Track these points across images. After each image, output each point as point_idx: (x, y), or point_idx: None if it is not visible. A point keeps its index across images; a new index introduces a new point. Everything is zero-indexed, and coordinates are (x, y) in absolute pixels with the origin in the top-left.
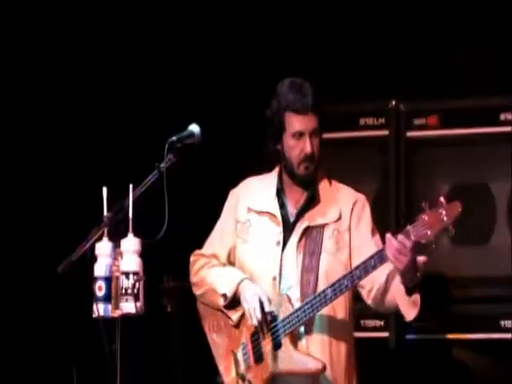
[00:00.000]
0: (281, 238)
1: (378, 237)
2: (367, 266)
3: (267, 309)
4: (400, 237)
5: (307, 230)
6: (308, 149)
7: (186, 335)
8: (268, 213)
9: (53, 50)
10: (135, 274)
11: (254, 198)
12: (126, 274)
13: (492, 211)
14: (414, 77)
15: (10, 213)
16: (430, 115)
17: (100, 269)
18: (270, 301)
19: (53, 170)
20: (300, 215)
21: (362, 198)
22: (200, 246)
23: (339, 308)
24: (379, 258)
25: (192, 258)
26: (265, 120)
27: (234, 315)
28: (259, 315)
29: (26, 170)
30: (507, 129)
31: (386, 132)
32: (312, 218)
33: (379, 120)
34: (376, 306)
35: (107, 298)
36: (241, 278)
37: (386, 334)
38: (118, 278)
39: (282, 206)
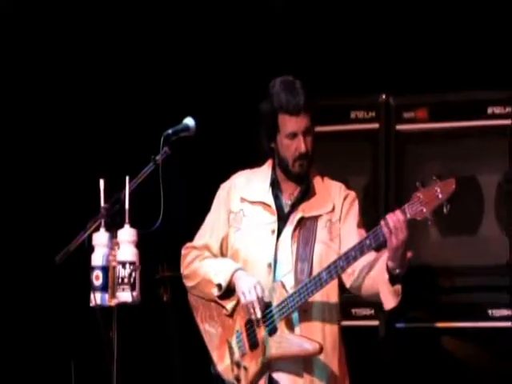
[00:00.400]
0: (275, 226)
1: (363, 230)
2: (363, 246)
3: (264, 299)
4: (397, 212)
5: (301, 221)
6: (302, 148)
7: (181, 323)
8: (262, 203)
9: (53, 45)
10: (131, 263)
11: (248, 189)
12: (123, 264)
13: (480, 203)
14: (403, 72)
15: (9, 204)
16: (419, 109)
17: (97, 258)
18: (263, 290)
19: (51, 163)
20: (294, 206)
21: (352, 193)
22: (194, 236)
23: (332, 293)
24: (375, 236)
25: (183, 251)
26: (258, 117)
27: (229, 304)
28: (259, 313)
29: (27, 163)
30: (494, 122)
31: (376, 125)
32: (306, 210)
33: (370, 113)
34: (354, 290)
35: (104, 287)
36: (235, 268)
37: (376, 323)
38: (114, 267)
39: (277, 197)
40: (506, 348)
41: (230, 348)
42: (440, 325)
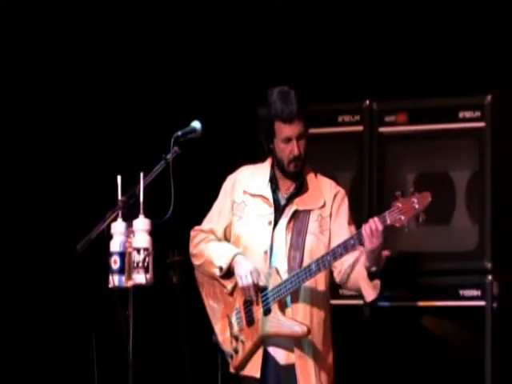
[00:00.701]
0: (272, 218)
1: (353, 227)
2: (347, 245)
3: (259, 283)
4: (376, 219)
5: (295, 213)
6: (295, 151)
7: (189, 303)
8: (261, 196)
9: (67, 43)
10: (145, 249)
11: (249, 182)
12: (138, 250)
13: (452, 196)
14: (385, 80)
15: (39, 198)
16: (399, 113)
17: (115, 245)
18: (260, 274)
19: (77, 161)
20: (290, 200)
21: (342, 191)
22: (199, 224)
23: (320, 281)
24: (358, 238)
25: (192, 233)
26: (258, 122)
27: (229, 285)
28: (253, 294)
29: (57, 160)
30: (465, 125)
31: (360, 128)
32: (300, 204)
33: (355, 117)
34: (342, 285)
35: (121, 271)
36: (234, 252)
37: (361, 302)
38: (130, 253)
39: (274, 191)
40: (476, 324)
41: (230, 323)
42: (417, 304)
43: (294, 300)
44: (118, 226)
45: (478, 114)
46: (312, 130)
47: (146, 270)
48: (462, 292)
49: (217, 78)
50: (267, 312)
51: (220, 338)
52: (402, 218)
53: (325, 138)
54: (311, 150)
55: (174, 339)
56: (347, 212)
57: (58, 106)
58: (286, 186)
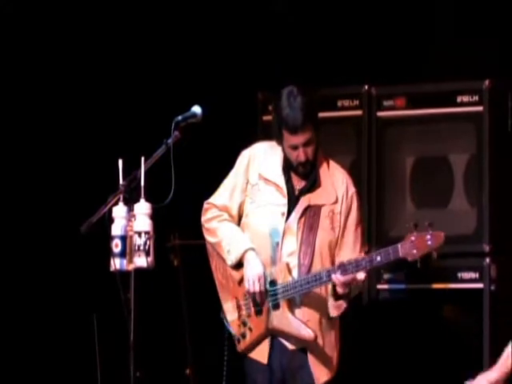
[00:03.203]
0: (285, 210)
1: (360, 229)
2: (358, 266)
3: (267, 286)
4: (382, 252)
5: (307, 209)
6: (302, 158)
7: (190, 285)
8: (275, 184)
9: (70, 35)
10: (146, 233)
11: (265, 165)
12: (139, 233)
13: (450, 180)
14: (384, 65)
15: (42, 183)
16: (397, 97)
17: (116, 229)
18: (266, 278)
19: (79, 146)
20: (302, 195)
21: (353, 190)
22: (200, 209)
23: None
24: (370, 262)
25: (205, 206)
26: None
27: (238, 276)
28: (258, 298)
29: (59, 147)
30: (463, 109)
31: (359, 112)
32: (312, 199)
33: (354, 102)
34: None
35: (123, 254)
36: (245, 248)
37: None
38: (131, 236)
39: (288, 181)
40: (474, 306)
41: (239, 306)
42: (416, 286)
43: (304, 298)
44: (119, 210)
45: (475, 98)
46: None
47: (147, 254)
48: (460, 274)
49: (218, 63)
50: (275, 307)
51: (228, 318)
52: (415, 251)
53: (324, 123)
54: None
55: (176, 322)
56: (356, 214)
57: (61, 91)
58: (298, 180)
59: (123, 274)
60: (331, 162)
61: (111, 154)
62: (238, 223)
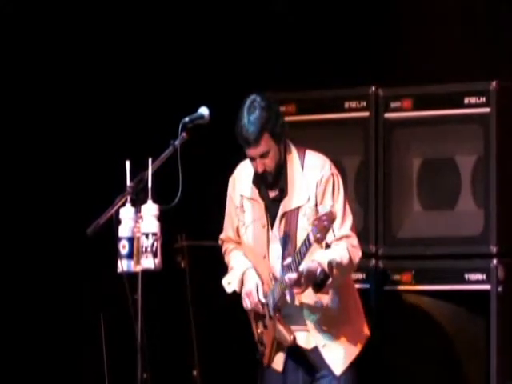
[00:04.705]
0: (265, 221)
1: (339, 206)
2: (300, 252)
3: (261, 299)
4: (301, 247)
5: (284, 215)
6: (258, 170)
7: (197, 287)
8: (253, 199)
9: (74, 35)
10: (154, 234)
11: (243, 184)
12: (146, 235)
13: (457, 181)
14: (391, 67)
15: (49, 185)
16: (404, 99)
17: (124, 230)
18: (259, 289)
19: (86, 148)
20: (277, 203)
21: (326, 174)
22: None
23: None
24: (308, 242)
25: (219, 242)
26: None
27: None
28: (260, 310)
29: (67, 146)
30: (470, 111)
31: (367, 114)
32: (286, 205)
33: (361, 103)
34: None
35: (130, 255)
36: (241, 272)
37: (367, 286)
38: (139, 238)
39: (262, 193)
40: (481, 308)
41: (256, 325)
42: (423, 288)
43: (301, 299)
44: (126, 212)
45: (483, 99)
46: (319, 116)
47: (155, 255)
48: (467, 276)
49: (224, 64)
50: (270, 317)
51: (255, 338)
52: (319, 235)
53: (331, 124)
54: (318, 135)
55: (183, 323)
56: (330, 195)
57: (68, 92)
58: (271, 190)
59: (130, 276)
60: (307, 155)
61: (118, 155)
62: None
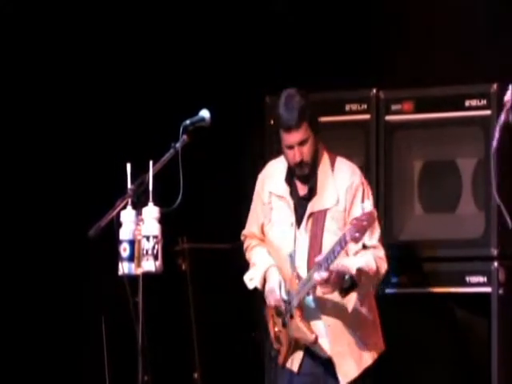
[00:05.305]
0: (293, 220)
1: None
2: (334, 250)
3: (284, 296)
4: (337, 241)
5: (311, 216)
6: (297, 158)
7: (198, 289)
8: (282, 197)
9: (76, 37)
10: (155, 237)
11: (273, 182)
12: (147, 237)
13: (458, 184)
14: (392, 69)
15: (50, 187)
16: (405, 101)
17: (125, 233)
18: (281, 288)
19: (87, 150)
20: (306, 202)
21: (356, 180)
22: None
23: None
24: (344, 241)
25: (241, 238)
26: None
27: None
28: (282, 308)
29: (68, 148)
30: (471, 113)
31: (367, 116)
32: (314, 206)
33: (362, 106)
34: None
35: (131, 258)
36: (264, 270)
37: None
38: (140, 240)
39: (292, 192)
40: (482, 310)
41: (274, 323)
42: (424, 290)
43: (321, 302)
44: (127, 214)
45: (484, 102)
46: (321, 118)
47: (156, 258)
48: (468, 278)
49: (226, 67)
50: (291, 317)
51: (271, 336)
52: (358, 234)
53: (332, 127)
54: (322, 137)
55: (184, 326)
56: (359, 202)
57: (69, 95)
58: (301, 187)
59: (131, 278)
60: (337, 160)
61: (119, 158)
62: None
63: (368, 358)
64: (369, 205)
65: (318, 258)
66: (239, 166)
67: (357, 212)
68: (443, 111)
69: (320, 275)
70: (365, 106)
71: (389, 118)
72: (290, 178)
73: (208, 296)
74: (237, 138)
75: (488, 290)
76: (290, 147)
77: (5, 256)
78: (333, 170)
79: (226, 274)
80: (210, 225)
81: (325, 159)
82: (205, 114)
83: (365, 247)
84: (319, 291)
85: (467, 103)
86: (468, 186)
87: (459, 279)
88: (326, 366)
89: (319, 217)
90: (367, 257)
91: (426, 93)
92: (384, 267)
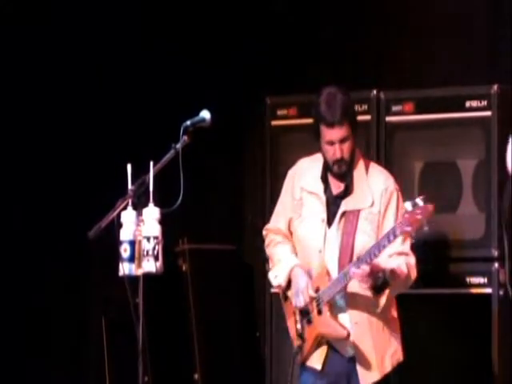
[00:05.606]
0: (325, 216)
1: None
2: (380, 245)
3: (312, 294)
4: (384, 235)
5: (345, 214)
6: (337, 155)
7: (198, 289)
8: (315, 193)
9: (76, 36)
10: (155, 238)
11: (306, 178)
12: (148, 238)
13: (459, 185)
14: (392, 70)
15: (51, 188)
16: (406, 102)
17: (125, 234)
18: (309, 288)
19: (87, 151)
20: (339, 201)
21: (391, 187)
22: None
23: None
24: (393, 234)
25: (263, 233)
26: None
27: (289, 292)
28: (308, 308)
29: (68, 149)
30: (472, 114)
31: (368, 117)
32: (348, 204)
33: (363, 106)
34: None
35: (131, 259)
36: (290, 267)
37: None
38: (140, 241)
39: (327, 189)
40: (482, 311)
41: (296, 320)
42: (424, 291)
43: (350, 300)
44: (127, 215)
45: (484, 103)
46: None
47: (156, 258)
48: (468, 279)
49: (226, 67)
50: (320, 312)
51: (291, 333)
52: (409, 228)
53: None
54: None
55: (184, 326)
56: (395, 208)
57: (70, 95)
58: (336, 185)
59: (132, 279)
60: (371, 164)
61: (120, 158)
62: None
63: (388, 365)
64: (420, 199)
65: (362, 253)
66: (239, 167)
67: (391, 217)
68: (444, 112)
69: (361, 269)
70: (365, 107)
71: (389, 118)
72: (325, 175)
73: (208, 297)
74: (237, 139)
75: (488, 290)
76: (331, 143)
77: (5, 256)
78: (367, 174)
79: (226, 275)
80: (210, 225)
81: (360, 162)
82: (205, 114)
83: (399, 254)
84: (355, 287)
85: (468, 104)
86: (468, 186)
87: (460, 280)
88: (349, 365)
89: (352, 216)
90: (400, 261)
91: (427, 94)
92: (414, 275)
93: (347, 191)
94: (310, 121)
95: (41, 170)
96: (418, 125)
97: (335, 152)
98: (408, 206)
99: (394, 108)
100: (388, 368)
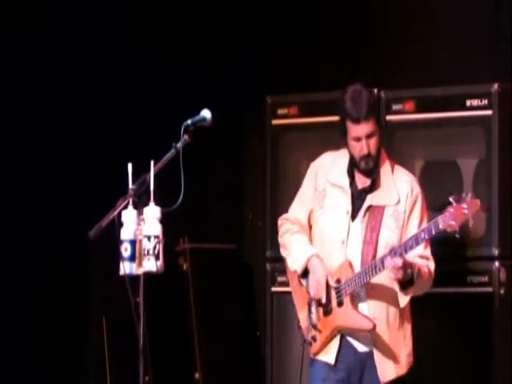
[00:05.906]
0: (350, 208)
1: (423, 226)
2: (418, 238)
3: (331, 284)
4: (425, 228)
5: (370, 208)
6: (364, 150)
7: (199, 289)
8: (340, 186)
9: (83, 35)
10: (156, 237)
11: (331, 171)
12: (148, 237)
13: (459, 183)
14: (393, 69)
15: (51, 187)
16: (406, 101)
17: (126, 233)
18: (328, 281)
19: (88, 150)
20: (365, 195)
21: (417, 190)
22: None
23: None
24: (428, 231)
25: (279, 221)
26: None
27: (304, 282)
28: (325, 301)
29: (69, 147)
30: (472, 113)
31: None
32: (374, 199)
33: None
34: None
35: (132, 258)
36: (308, 256)
37: None
38: (141, 240)
39: (352, 183)
40: (483, 310)
41: (310, 311)
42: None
43: (370, 294)
44: (128, 214)
45: (485, 102)
46: (321, 118)
47: (157, 258)
48: (469, 278)
49: (226, 67)
50: (340, 304)
51: (302, 324)
52: (453, 223)
53: (333, 126)
54: (320, 137)
55: (185, 326)
56: (420, 211)
57: (70, 94)
58: (362, 180)
59: (132, 278)
60: (396, 166)
61: (121, 157)
62: (310, 232)
63: (404, 365)
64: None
65: (396, 245)
66: (239, 167)
67: (415, 220)
68: (444, 111)
69: (394, 261)
70: None
71: (390, 117)
72: (352, 170)
73: (209, 296)
74: (237, 138)
75: (489, 289)
76: (358, 139)
77: (5, 256)
78: (393, 173)
79: (227, 274)
80: (211, 225)
81: (386, 161)
82: (206, 113)
83: (422, 257)
84: (378, 279)
85: (468, 103)
86: (469, 185)
87: (461, 279)
88: (362, 360)
89: (377, 211)
90: (423, 263)
91: (427, 93)
92: (431, 279)
93: (373, 186)
94: (312, 120)
95: (41, 170)
96: (419, 124)
97: (362, 148)
98: (452, 200)
99: (395, 107)
100: (404, 369)
